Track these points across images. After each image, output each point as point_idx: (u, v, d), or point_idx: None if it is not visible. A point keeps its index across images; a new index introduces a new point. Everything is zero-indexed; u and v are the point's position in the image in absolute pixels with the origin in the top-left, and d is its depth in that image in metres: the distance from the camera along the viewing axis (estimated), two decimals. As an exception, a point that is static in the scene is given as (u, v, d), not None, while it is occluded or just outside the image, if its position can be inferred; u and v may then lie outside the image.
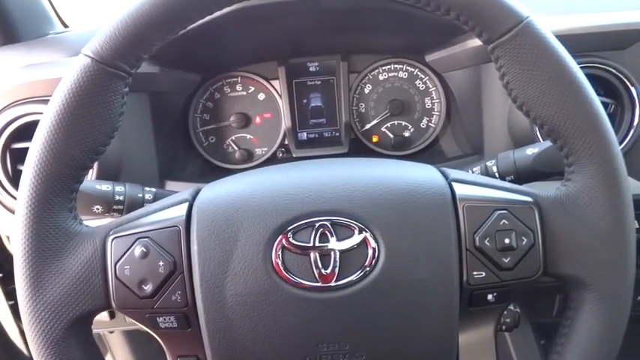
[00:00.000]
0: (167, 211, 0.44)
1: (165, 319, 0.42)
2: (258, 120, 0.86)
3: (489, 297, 0.42)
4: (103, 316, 0.76)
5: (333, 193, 0.42)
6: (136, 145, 0.72)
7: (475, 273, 0.41)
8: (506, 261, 0.41)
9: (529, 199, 0.43)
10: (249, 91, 0.85)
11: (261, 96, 0.86)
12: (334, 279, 0.40)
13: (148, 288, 0.41)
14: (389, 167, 0.46)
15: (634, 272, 0.42)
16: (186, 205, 0.44)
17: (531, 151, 0.55)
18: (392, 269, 0.40)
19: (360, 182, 0.43)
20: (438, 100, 0.85)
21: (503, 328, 0.51)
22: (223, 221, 0.42)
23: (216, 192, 0.44)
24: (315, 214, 0.41)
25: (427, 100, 0.85)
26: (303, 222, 0.41)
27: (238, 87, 0.85)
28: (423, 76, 0.85)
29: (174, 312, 0.42)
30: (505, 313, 0.51)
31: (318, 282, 0.40)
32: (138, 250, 0.42)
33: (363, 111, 0.86)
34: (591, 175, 0.41)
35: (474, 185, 0.44)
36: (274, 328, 0.41)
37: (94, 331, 0.79)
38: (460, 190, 0.43)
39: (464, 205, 0.42)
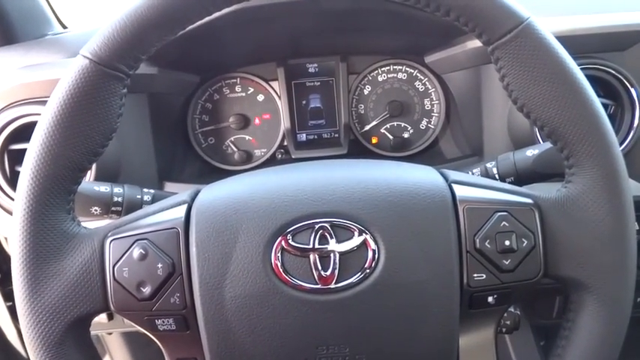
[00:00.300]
0: (166, 212, 0.44)
1: (163, 322, 0.42)
2: (257, 121, 0.86)
3: (490, 299, 0.42)
4: (102, 317, 0.76)
5: (333, 194, 0.42)
6: (134, 146, 0.72)
7: (475, 275, 0.41)
8: (507, 263, 0.41)
9: (529, 200, 0.43)
10: (249, 92, 0.85)
11: (261, 97, 0.85)
12: (334, 281, 0.40)
13: (147, 290, 0.41)
14: (389, 169, 0.45)
15: (635, 274, 0.42)
16: (185, 207, 0.43)
17: (531, 152, 0.55)
18: (392, 271, 0.40)
19: (360, 184, 0.43)
20: (437, 102, 0.85)
21: (504, 330, 0.51)
22: (222, 223, 0.41)
23: (215, 194, 0.44)
24: (314, 216, 0.41)
25: (426, 102, 0.85)
26: (303, 224, 0.41)
27: (237, 88, 0.85)
28: (422, 78, 0.85)
29: (172, 314, 0.42)
30: (505, 315, 0.51)
31: (317, 284, 0.40)
32: (136, 252, 0.41)
33: (363, 112, 0.86)
34: (592, 177, 0.41)
35: (474, 187, 0.44)
36: (273, 331, 0.40)
37: (92, 332, 0.79)
38: (460, 191, 0.43)
39: (464, 206, 0.42)
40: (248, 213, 0.41)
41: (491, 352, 0.44)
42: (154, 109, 0.74)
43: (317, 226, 0.41)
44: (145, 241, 0.42)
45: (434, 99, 0.85)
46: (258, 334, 0.40)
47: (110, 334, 0.97)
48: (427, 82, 0.85)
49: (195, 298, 0.41)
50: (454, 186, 0.43)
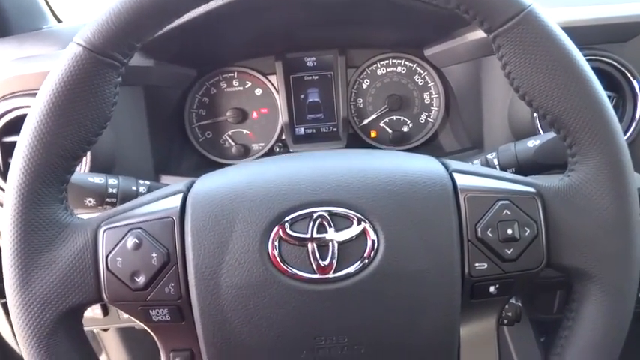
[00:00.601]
0: (161, 202, 0.43)
1: (158, 312, 0.41)
2: (254, 115, 0.85)
3: (491, 289, 0.41)
4: (97, 312, 0.75)
5: (332, 183, 0.41)
6: (130, 139, 0.71)
7: (477, 264, 0.40)
8: (509, 252, 0.40)
9: (532, 189, 0.42)
10: (246, 86, 0.84)
11: (258, 91, 0.85)
12: (332, 270, 0.39)
13: (141, 280, 0.40)
14: (389, 158, 0.45)
15: (639, 263, 0.41)
16: (180, 196, 0.43)
17: (533, 143, 0.55)
18: (392, 261, 0.39)
19: (360, 173, 0.42)
20: (436, 95, 0.84)
21: (505, 322, 0.50)
22: (218, 212, 0.40)
23: (212, 183, 0.43)
24: (312, 205, 0.40)
25: (426, 95, 0.84)
26: (301, 212, 0.40)
27: (235, 82, 0.84)
28: (421, 71, 0.84)
29: (167, 304, 0.41)
30: (507, 306, 0.50)
31: (315, 273, 0.39)
32: (130, 241, 0.40)
33: (361, 106, 0.85)
34: (595, 165, 0.41)
35: (475, 176, 0.43)
36: (271, 321, 0.39)
37: (87, 328, 0.78)
38: (461, 180, 0.42)
39: (465, 195, 0.41)
40: (245, 202, 0.41)
41: (492, 342, 0.43)
42: (150, 102, 0.73)
43: (315, 215, 0.40)
44: (140, 230, 0.41)
45: (433, 93, 0.84)
46: (254, 324, 0.40)
47: (106, 330, 0.96)
48: (427, 76, 0.84)
49: (191, 287, 0.40)
50: (455, 175, 0.42)
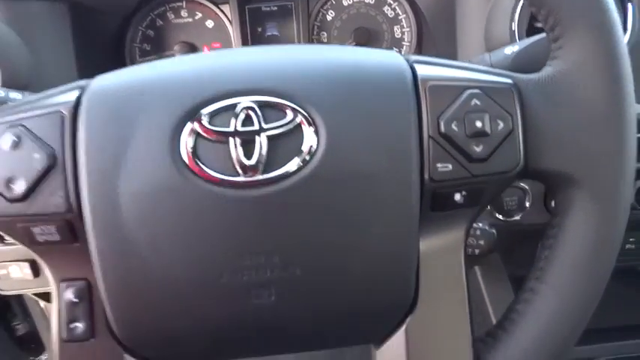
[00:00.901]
0: (51, 98, 0.34)
1: (43, 230, 0.33)
2: (206, 50, 0.76)
3: (457, 197, 0.33)
4: (26, 272, 0.66)
5: (262, 70, 0.33)
6: (52, 64, 0.61)
7: (439, 165, 0.33)
8: (478, 150, 0.33)
9: (507, 80, 0.35)
10: (196, 18, 0.75)
11: (210, 23, 0.76)
12: (260, 172, 0.31)
13: (19, 187, 0.32)
14: (337, 48, 0.37)
15: (634, 165, 0.34)
16: (76, 92, 0.34)
17: (510, 49, 0.47)
18: (334, 161, 0.32)
19: (298, 60, 0.34)
20: (408, 29, 0.76)
21: (477, 252, 0.42)
22: (121, 104, 0.32)
23: (117, 76, 0.35)
24: (236, 94, 0.32)
25: (396, 29, 0.76)
26: (222, 104, 0.32)
27: (183, 13, 0.75)
28: (391, 2, 0.76)
29: (54, 220, 0.32)
30: (478, 233, 0.43)
31: (239, 176, 0.31)
32: (7, 139, 0.32)
33: (325, 40, 0.77)
34: (582, 48, 0.33)
35: (441, 66, 0.36)
36: (182, 237, 0.31)
37: (16, 292, 0.69)
38: (423, 70, 0.34)
39: (427, 85, 0.33)
40: (154, 92, 0.32)
41: (458, 268, 0.35)
42: (79, 27, 0.64)
43: (240, 107, 0.32)
44: (20, 127, 0.32)
45: (404, 26, 0.76)
46: (162, 241, 0.31)
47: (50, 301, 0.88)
48: (397, 7, 0.76)
49: (83, 197, 0.32)
50: (417, 65, 0.35)
